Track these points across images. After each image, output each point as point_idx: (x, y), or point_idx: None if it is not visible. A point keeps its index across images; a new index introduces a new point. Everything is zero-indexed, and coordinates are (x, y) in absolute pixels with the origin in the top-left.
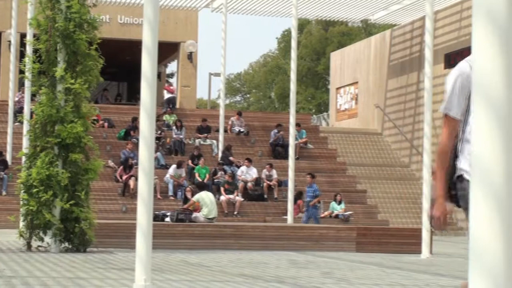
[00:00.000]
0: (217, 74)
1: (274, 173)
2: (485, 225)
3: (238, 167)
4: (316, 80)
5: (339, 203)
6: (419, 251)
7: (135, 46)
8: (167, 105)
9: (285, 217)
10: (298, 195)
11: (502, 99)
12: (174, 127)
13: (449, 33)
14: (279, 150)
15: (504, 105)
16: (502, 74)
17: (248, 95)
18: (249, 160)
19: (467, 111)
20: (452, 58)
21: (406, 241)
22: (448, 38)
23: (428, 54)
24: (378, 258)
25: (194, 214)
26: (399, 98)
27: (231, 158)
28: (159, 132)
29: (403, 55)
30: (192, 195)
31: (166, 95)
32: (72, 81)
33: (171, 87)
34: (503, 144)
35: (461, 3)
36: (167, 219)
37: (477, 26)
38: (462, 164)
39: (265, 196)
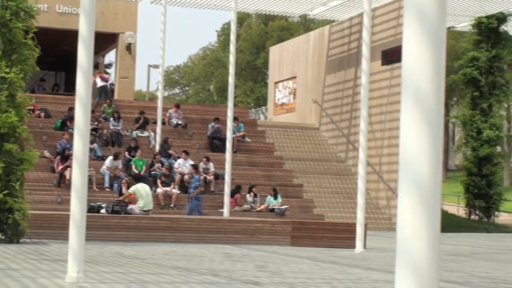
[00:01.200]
0: (156, 66)
1: (211, 166)
2: (411, 216)
3: (175, 159)
4: (255, 74)
5: (276, 197)
6: (353, 246)
7: (73, 36)
8: (99, 94)
9: (221, 210)
10: (236, 189)
11: (430, 95)
12: (111, 119)
13: (387, 30)
14: (216, 143)
15: (431, 100)
16: (431, 71)
17: (187, 88)
18: (186, 153)
19: None
20: (389, 55)
21: (341, 235)
22: (386, 35)
23: (365, 50)
24: (312, 252)
25: (130, 206)
26: (337, 94)
27: (170, 151)
28: (96, 123)
29: (341, 51)
30: (128, 187)
31: (100, 83)
32: (7, 70)
33: (105, 75)
34: (430, 139)
35: (398, 0)
36: (103, 210)
37: (408, 25)
38: None
39: (202, 189)
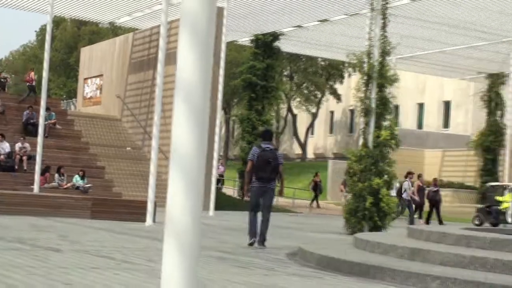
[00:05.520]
0: None
1: (27, 146)
2: (179, 197)
3: None
4: (68, 71)
5: (82, 177)
6: (144, 220)
7: None
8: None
9: (32, 186)
10: (46, 169)
11: (198, 95)
12: None
13: None
14: (30, 129)
15: (199, 100)
16: (200, 76)
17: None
18: (3, 136)
19: None
20: None
21: (134, 211)
22: None
23: (161, 56)
24: (109, 224)
25: None
26: (137, 91)
27: None
28: None
29: (142, 55)
30: None
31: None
32: None
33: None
34: (197, 134)
35: None
36: None
37: (182, 38)
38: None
39: (16, 167)
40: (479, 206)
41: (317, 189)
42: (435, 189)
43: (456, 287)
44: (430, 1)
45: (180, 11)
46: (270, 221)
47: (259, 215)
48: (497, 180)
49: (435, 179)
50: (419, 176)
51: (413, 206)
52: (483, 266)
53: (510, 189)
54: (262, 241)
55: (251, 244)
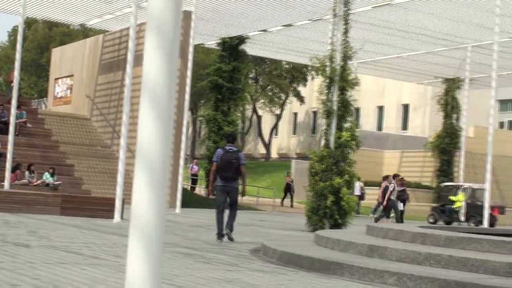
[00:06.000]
0: None
1: None
2: (144, 194)
3: None
4: (39, 71)
5: (52, 174)
6: (112, 217)
7: None
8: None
9: (2, 183)
10: (16, 166)
11: (163, 96)
12: None
13: None
14: (1, 127)
15: (164, 101)
16: (166, 77)
17: None
18: None
19: None
20: None
21: (103, 208)
22: None
23: (130, 57)
24: (78, 221)
25: None
26: (106, 91)
27: None
28: None
29: (112, 56)
30: None
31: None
32: None
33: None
34: (162, 134)
35: None
36: None
37: (149, 39)
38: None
39: None
40: (434, 205)
41: (290, 189)
42: (402, 188)
43: (412, 283)
44: (391, 9)
45: (147, 14)
46: (237, 215)
47: (226, 213)
48: (452, 181)
49: (401, 179)
50: (387, 177)
51: (397, 205)
52: (438, 262)
53: (463, 189)
54: (229, 229)
55: (221, 236)
